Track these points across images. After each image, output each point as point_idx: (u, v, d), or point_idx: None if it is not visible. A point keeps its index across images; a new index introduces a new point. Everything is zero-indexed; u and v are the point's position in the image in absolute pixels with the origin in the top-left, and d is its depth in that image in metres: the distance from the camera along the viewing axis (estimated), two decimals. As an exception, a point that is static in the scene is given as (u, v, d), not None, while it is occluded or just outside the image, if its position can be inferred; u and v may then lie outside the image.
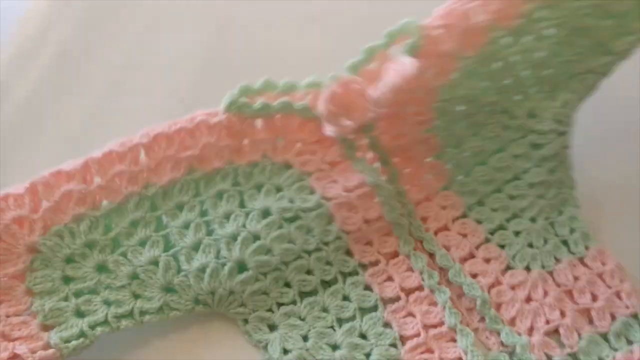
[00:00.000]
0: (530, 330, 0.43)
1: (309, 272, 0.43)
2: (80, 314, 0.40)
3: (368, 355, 0.41)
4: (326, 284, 0.43)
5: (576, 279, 0.44)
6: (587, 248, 0.45)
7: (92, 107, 0.52)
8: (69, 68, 0.54)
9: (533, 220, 0.46)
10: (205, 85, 0.53)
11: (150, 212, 0.42)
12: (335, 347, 0.41)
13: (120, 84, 0.53)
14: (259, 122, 0.44)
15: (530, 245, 0.46)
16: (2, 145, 0.49)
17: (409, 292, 0.44)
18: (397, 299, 0.43)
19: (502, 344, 0.43)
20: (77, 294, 0.40)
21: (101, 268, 0.41)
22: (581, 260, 0.45)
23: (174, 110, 0.50)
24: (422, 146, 0.48)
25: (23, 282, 0.39)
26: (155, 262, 0.41)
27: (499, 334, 0.43)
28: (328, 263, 0.44)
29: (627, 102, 0.53)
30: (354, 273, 0.44)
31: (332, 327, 0.42)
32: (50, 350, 0.37)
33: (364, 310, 0.43)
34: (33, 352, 0.37)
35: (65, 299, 0.40)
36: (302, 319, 0.42)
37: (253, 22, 0.57)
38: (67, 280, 0.40)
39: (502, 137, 0.47)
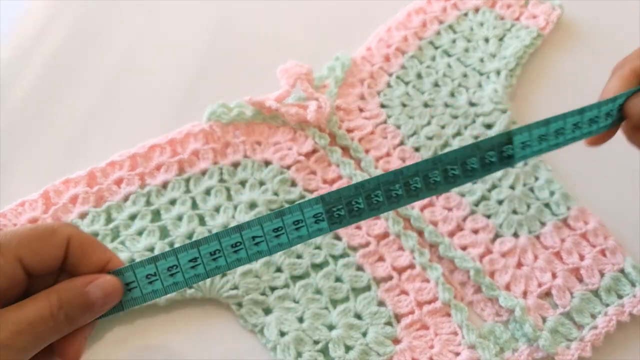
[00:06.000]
0: (524, 294, 0.43)
1: (298, 256, 0.44)
2: None
3: (364, 334, 0.41)
4: (317, 267, 0.44)
5: (562, 240, 0.45)
6: (568, 208, 0.46)
7: (90, 106, 0.52)
8: (67, 67, 0.54)
9: (512, 187, 0.47)
10: (203, 84, 0.53)
11: (146, 207, 0.45)
12: (331, 327, 0.41)
13: (118, 83, 0.53)
14: (238, 128, 0.49)
15: (515, 212, 0.46)
16: (0, 143, 0.49)
17: (401, 270, 0.44)
18: (390, 278, 0.43)
19: (496, 314, 0.43)
20: None
21: None
22: (564, 221, 0.46)
23: (171, 109, 0.52)
24: (383, 136, 0.50)
25: None
26: (151, 249, 0.44)
27: (493, 304, 0.43)
28: (317, 247, 0.44)
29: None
30: (344, 255, 0.44)
31: (326, 308, 0.42)
32: None
33: (357, 291, 0.43)
34: None
35: None
36: (297, 302, 0.42)
37: (251, 22, 0.57)
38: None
39: (454, 123, 0.50)
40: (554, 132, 0.37)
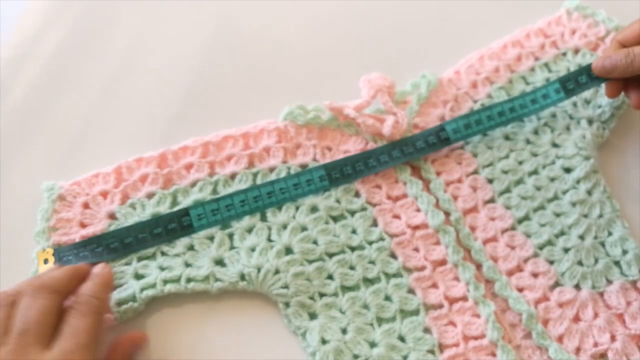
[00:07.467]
0: (577, 351, 0.41)
1: (351, 267, 0.44)
2: (137, 276, 0.43)
3: (405, 357, 0.41)
4: (369, 281, 0.43)
5: (628, 303, 0.43)
6: (640, 271, 0.44)
7: (90, 106, 0.52)
8: (66, 67, 0.54)
9: (582, 238, 0.45)
10: (202, 84, 0.53)
11: (211, 195, 0.46)
12: (373, 345, 0.41)
13: (118, 83, 0.53)
14: (311, 131, 0.49)
15: (580, 264, 0.44)
16: (0, 143, 0.50)
17: (452, 301, 0.43)
18: (440, 306, 0.43)
19: (544, 363, 0.41)
20: (140, 259, 0.44)
21: None
22: (634, 283, 0.44)
23: (170, 109, 0.52)
24: (458, 161, 0.49)
25: None
26: (211, 237, 0.44)
27: (542, 353, 0.42)
28: (371, 262, 0.44)
29: None
30: (397, 275, 0.44)
31: (371, 324, 0.42)
32: (106, 315, 0.41)
33: (404, 313, 0.42)
34: None
35: (129, 262, 0.43)
36: (343, 312, 0.42)
37: (251, 22, 0.57)
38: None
39: (533, 161, 0.49)
40: (487, 118, 0.48)
